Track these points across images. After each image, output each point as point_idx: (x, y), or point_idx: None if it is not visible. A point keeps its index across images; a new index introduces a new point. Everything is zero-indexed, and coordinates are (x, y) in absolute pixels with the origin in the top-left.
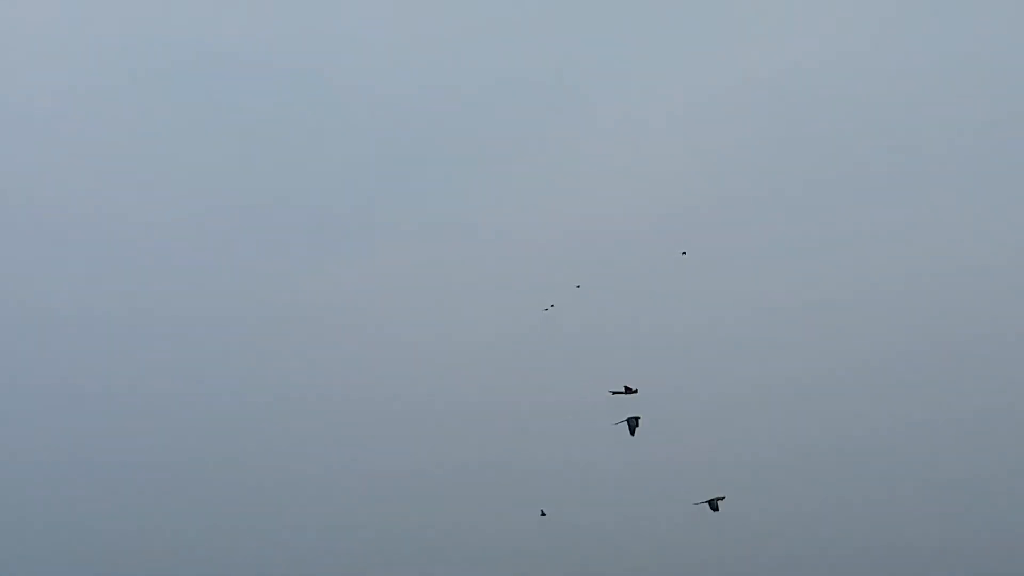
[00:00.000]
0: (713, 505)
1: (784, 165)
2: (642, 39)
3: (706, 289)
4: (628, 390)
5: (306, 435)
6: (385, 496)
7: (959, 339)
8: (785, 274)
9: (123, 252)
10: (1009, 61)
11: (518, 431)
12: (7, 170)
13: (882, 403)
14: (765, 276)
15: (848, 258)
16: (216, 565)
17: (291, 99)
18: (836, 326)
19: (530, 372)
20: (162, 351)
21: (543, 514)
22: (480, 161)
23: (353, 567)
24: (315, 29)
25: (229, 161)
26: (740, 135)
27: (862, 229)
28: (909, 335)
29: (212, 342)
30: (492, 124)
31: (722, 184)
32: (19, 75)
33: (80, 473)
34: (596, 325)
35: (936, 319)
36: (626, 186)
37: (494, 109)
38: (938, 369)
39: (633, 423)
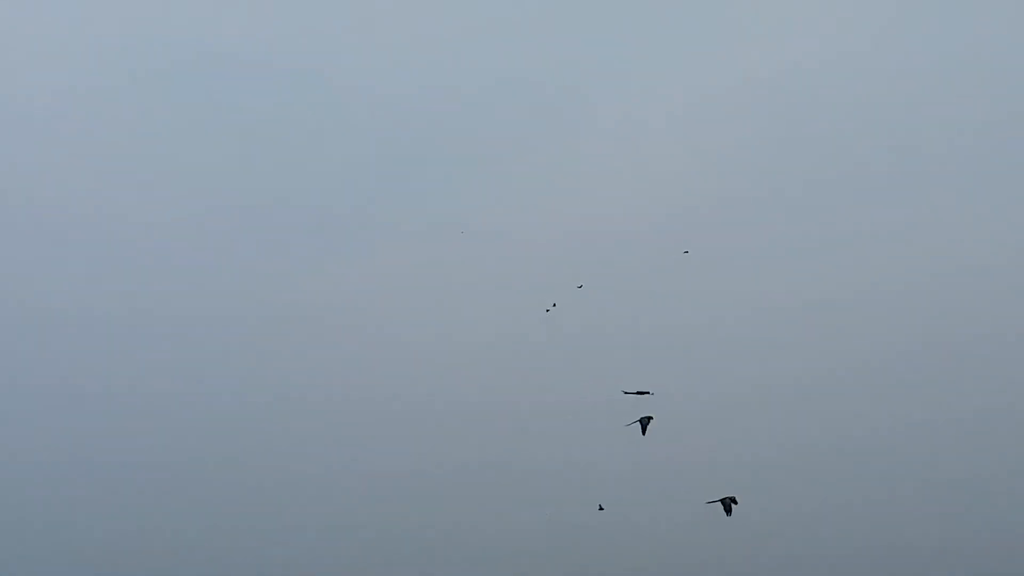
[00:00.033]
0: (726, 505)
1: (784, 165)
2: (642, 39)
3: (706, 289)
4: (643, 392)
5: (306, 435)
6: (385, 496)
7: (959, 339)
8: (785, 274)
9: (123, 252)
10: (1009, 61)
11: (518, 431)
12: (7, 170)
13: (882, 403)
14: (765, 276)
15: (848, 258)
16: (216, 565)
17: (291, 99)
18: (836, 326)
19: (530, 372)
20: (162, 351)
21: (601, 508)
22: (480, 161)
23: (353, 567)
24: (315, 29)
25: (229, 161)
26: (740, 135)
27: (862, 229)
28: (909, 335)
29: (212, 342)
30: (492, 124)
31: (722, 184)
32: (19, 75)
33: (80, 473)
34: (596, 325)
35: (936, 319)
36: (626, 186)
37: (494, 109)
38: (938, 369)
39: (646, 422)
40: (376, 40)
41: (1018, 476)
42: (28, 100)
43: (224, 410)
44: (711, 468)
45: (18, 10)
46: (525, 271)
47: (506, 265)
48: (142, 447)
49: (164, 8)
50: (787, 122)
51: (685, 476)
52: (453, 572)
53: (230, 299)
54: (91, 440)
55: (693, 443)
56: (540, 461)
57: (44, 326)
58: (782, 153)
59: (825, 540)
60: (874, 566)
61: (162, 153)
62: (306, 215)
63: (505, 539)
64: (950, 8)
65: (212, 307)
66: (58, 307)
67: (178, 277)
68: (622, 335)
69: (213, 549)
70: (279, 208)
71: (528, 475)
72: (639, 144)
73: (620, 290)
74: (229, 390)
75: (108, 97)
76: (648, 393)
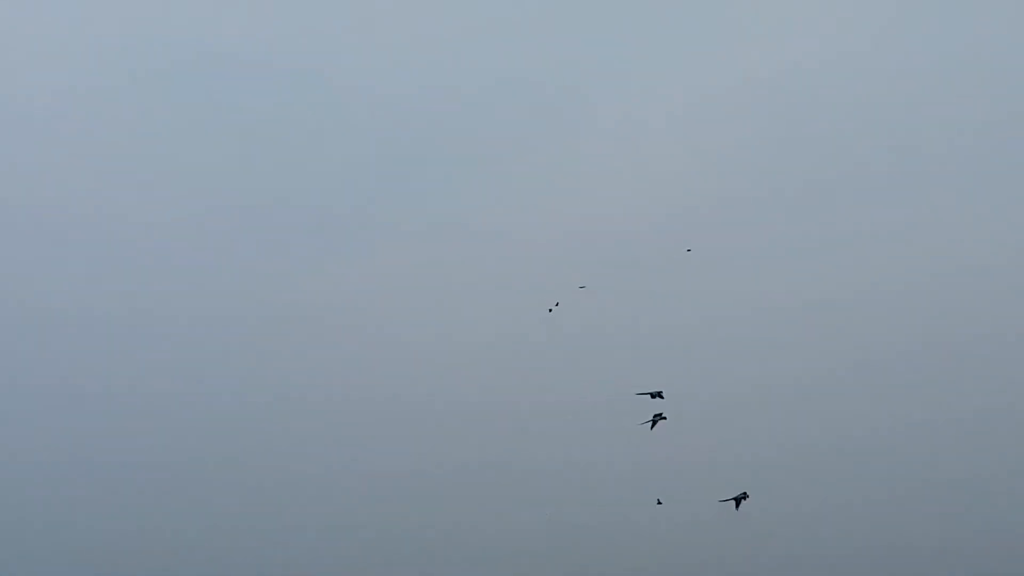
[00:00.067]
0: (738, 501)
1: (784, 165)
2: (642, 39)
3: (706, 289)
4: (656, 393)
5: (306, 435)
6: (385, 496)
7: (959, 339)
8: (785, 274)
9: (123, 252)
10: (1009, 61)
11: (518, 431)
12: (7, 170)
13: (882, 403)
14: (765, 276)
15: (848, 258)
16: (216, 565)
17: (291, 99)
18: (836, 326)
19: (530, 372)
20: (162, 351)
21: (659, 503)
22: (480, 161)
23: (353, 567)
24: (315, 29)
25: (229, 161)
26: (740, 135)
27: (862, 229)
28: (909, 335)
29: (212, 342)
30: (492, 124)
31: (722, 184)
32: (19, 75)
33: (80, 473)
34: (596, 325)
35: (936, 319)
36: (626, 186)
37: (494, 109)
38: (938, 369)
39: (658, 419)
40: (376, 40)
41: (1018, 476)
42: (28, 100)
43: (224, 410)
44: (711, 468)
45: (18, 10)
46: (525, 271)
47: (506, 265)
48: (142, 447)
49: (164, 8)
50: (787, 122)
51: (685, 476)
52: (453, 572)
53: (230, 299)
54: (91, 440)
55: (693, 443)
56: (540, 461)
57: (44, 326)
58: (782, 153)
59: (825, 540)
60: (874, 566)
61: (162, 153)
62: (306, 215)
63: (505, 539)
64: (950, 8)
65: (212, 307)
66: (58, 307)
67: (178, 277)
68: (622, 335)
69: (213, 549)
70: (279, 208)
71: (528, 475)
72: (639, 144)
73: (620, 290)
74: (229, 390)
75: (108, 97)
76: (660, 395)
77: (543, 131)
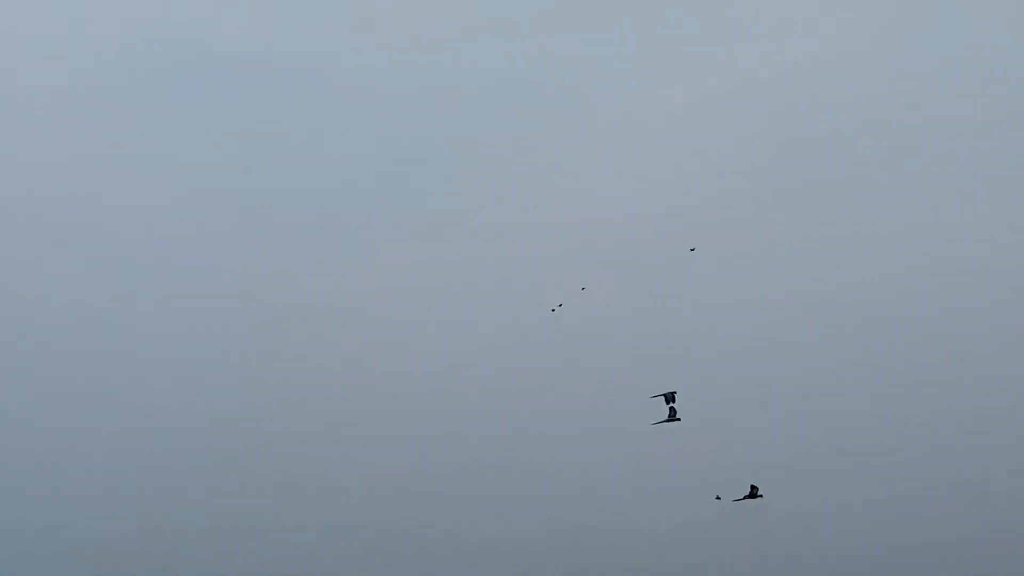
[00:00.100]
0: (753, 495)
1: (784, 165)
2: (642, 39)
3: (706, 289)
4: (670, 394)
5: (306, 435)
6: (385, 496)
7: (959, 339)
8: (785, 274)
9: (123, 252)
10: (1009, 61)
11: (518, 431)
12: (7, 170)
13: (882, 403)
14: (765, 276)
15: (848, 258)
16: (216, 565)
17: (291, 99)
18: (836, 326)
19: (530, 372)
20: (162, 351)
21: (718, 498)
22: (480, 161)
23: (353, 567)
24: (315, 29)
25: (229, 161)
26: (740, 135)
27: (862, 229)
28: (909, 335)
29: (212, 342)
30: (492, 124)
31: (722, 184)
32: (19, 75)
33: (80, 473)
34: (596, 325)
35: (936, 319)
36: (626, 186)
37: (494, 109)
38: (938, 369)
39: (672, 418)
40: (376, 40)
41: (1018, 476)
42: (28, 100)
43: (224, 410)
44: (711, 468)
45: (18, 10)
46: (525, 271)
47: (506, 265)
48: (142, 447)
49: (164, 8)
50: (787, 122)
51: (685, 476)
52: (453, 572)
53: (230, 299)
54: (91, 440)
55: (693, 443)
56: (540, 461)
57: (44, 326)
58: (782, 153)
59: (825, 540)
60: (874, 566)
61: (162, 153)
62: (306, 215)
63: (505, 539)
64: (950, 8)
65: (212, 307)
66: (58, 307)
67: (178, 277)
68: (622, 335)
69: (213, 549)
70: (279, 208)
71: (528, 475)
72: (639, 144)
73: (620, 290)
74: (229, 390)
75: (108, 97)
76: (673, 397)
77: (543, 131)
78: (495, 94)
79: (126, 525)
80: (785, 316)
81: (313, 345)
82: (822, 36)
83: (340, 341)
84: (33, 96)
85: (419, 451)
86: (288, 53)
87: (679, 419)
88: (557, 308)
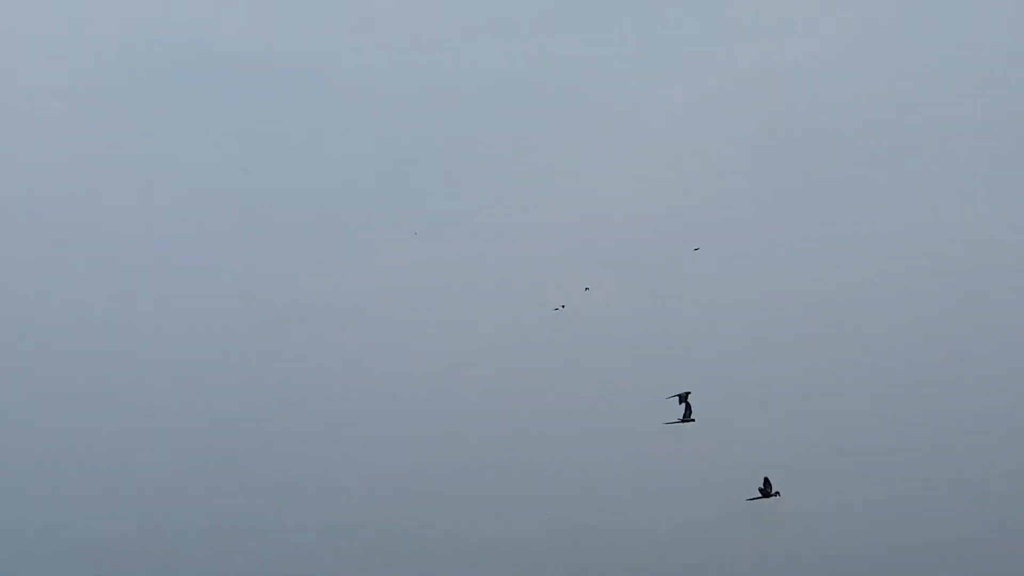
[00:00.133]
0: (766, 494)
1: (784, 165)
2: (642, 39)
3: (706, 289)
4: (684, 394)
5: (306, 435)
6: (385, 496)
7: (959, 339)
8: (785, 274)
9: (123, 252)
10: (1009, 61)
11: (518, 431)
12: (7, 170)
13: (882, 403)
14: (765, 276)
15: (848, 258)
16: (216, 565)
17: (291, 99)
18: (836, 326)
19: (530, 372)
20: (162, 351)
21: (777, 494)
22: (480, 161)
23: (353, 567)
24: (315, 29)
25: (229, 161)
26: (741, 135)
27: (862, 229)
28: (909, 335)
29: (212, 342)
30: (492, 124)
31: (722, 184)
32: (19, 75)
33: (80, 473)
34: (596, 325)
35: (936, 319)
36: (626, 186)
37: (494, 109)
38: (938, 369)
39: (687, 414)
40: (376, 40)
41: (1018, 476)
42: (28, 100)
43: (224, 410)
44: (711, 468)
45: (18, 10)
46: (525, 271)
47: (506, 265)
48: (142, 447)
49: (164, 8)
50: (787, 122)
51: (685, 476)
52: (453, 572)
53: (230, 299)
54: (91, 440)
55: (693, 443)
56: (540, 461)
57: (44, 326)
58: (782, 153)
59: (825, 540)
60: (874, 566)
61: (162, 153)
62: (306, 215)
63: (505, 539)
64: (951, 8)
65: (212, 307)
66: (58, 307)
67: (178, 277)
68: (622, 335)
69: (213, 549)
70: (279, 208)
71: (528, 475)
72: (639, 144)
73: (620, 290)
74: (229, 390)
75: (108, 97)
76: (688, 400)
77: (543, 131)
78: (495, 94)
79: (126, 525)
80: (785, 316)
81: (313, 345)
82: (822, 36)
83: (340, 341)
84: (33, 96)
85: (419, 451)
86: (288, 53)
87: (693, 419)
88: (560, 308)
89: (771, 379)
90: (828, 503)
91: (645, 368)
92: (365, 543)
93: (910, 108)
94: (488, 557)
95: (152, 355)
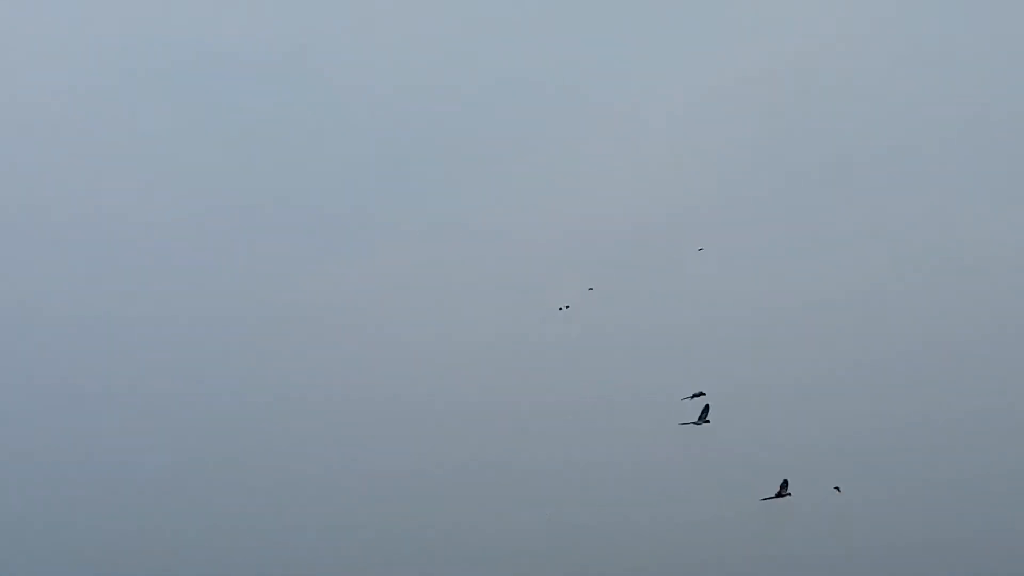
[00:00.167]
0: (781, 493)
1: (784, 164)
2: (642, 39)
3: (706, 289)
4: (699, 394)
5: (306, 435)
6: (385, 496)
7: (959, 339)
8: (785, 274)
9: (123, 252)
10: (1009, 61)
11: (518, 431)
12: (7, 170)
13: (882, 403)
14: (765, 276)
15: (848, 258)
16: (216, 565)
17: (291, 99)
18: (836, 326)
19: (530, 372)
20: (162, 351)
21: (838, 490)
22: (480, 161)
23: (353, 567)
24: (315, 29)
25: (229, 161)
26: (741, 134)
27: (862, 229)
28: (909, 335)
29: (212, 342)
30: (492, 124)
31: (722, 183)
32: (19, 75)
33: (80, 473)
34: (596, 325)
35: (936, 319)
36: (626, 186)
37: (494, 109)
38: (938, 369)
39: (703, 415)
40: (376, 40)
41: (1018, 476)
42: (28, 100)
43: (224, 410)
44: (711, 468)
45: (18, 10)
46: (525, 271)
47: (506, 265)
48: (142, 447)
49: (164, 8)
50: (787, 122)
51: (685, 476)
52: (453, 572)
53: (230, 299)
54: (91, 440)
55: (693, 443)
56: (540, 461)
57: (44, 326)
58: (782, 152)
59: (825, 540)
60: (874, 566)
61: (162, 153)
62: (306, 215)
63: (505, 539)
64: (950, 8)
65: (212, 307)
66: (58, 307)
67: (178, 277)
68: (622, 335)
69: (213, 549)
70: (279, 208)
71: (528, 475)
72: (639, 144)
73: (620, 290)
74: (229, 390)
75: (108, 97)
76: (703, 395)
77: (543, 131)
78: (495, 94)
79: (126, 525)
80: (785, 316)
81: (313, 345)
82: (821, 36)
83: (340, 341)
84: (33, 96)
85: (419, 451)
86: (288, 53)
87: (708, 421)
88: (564, 308)
89: (771, 379)
90: (828, 503)
91: (645, 368)
92: (365, 543)
93: (910, 108)
94: (488, 557)
95: (152, 355)
